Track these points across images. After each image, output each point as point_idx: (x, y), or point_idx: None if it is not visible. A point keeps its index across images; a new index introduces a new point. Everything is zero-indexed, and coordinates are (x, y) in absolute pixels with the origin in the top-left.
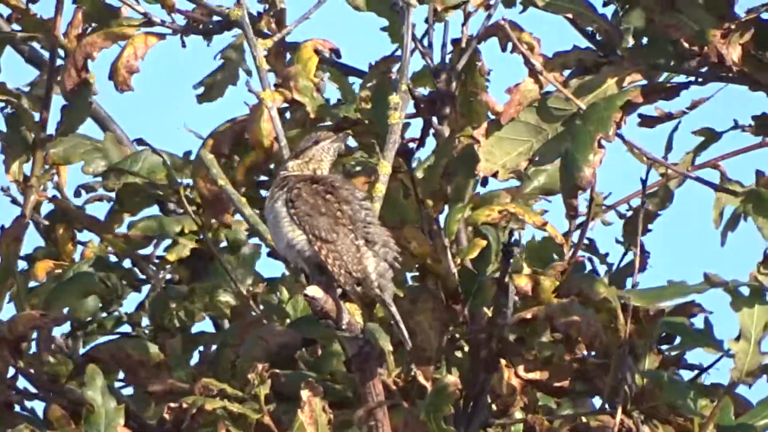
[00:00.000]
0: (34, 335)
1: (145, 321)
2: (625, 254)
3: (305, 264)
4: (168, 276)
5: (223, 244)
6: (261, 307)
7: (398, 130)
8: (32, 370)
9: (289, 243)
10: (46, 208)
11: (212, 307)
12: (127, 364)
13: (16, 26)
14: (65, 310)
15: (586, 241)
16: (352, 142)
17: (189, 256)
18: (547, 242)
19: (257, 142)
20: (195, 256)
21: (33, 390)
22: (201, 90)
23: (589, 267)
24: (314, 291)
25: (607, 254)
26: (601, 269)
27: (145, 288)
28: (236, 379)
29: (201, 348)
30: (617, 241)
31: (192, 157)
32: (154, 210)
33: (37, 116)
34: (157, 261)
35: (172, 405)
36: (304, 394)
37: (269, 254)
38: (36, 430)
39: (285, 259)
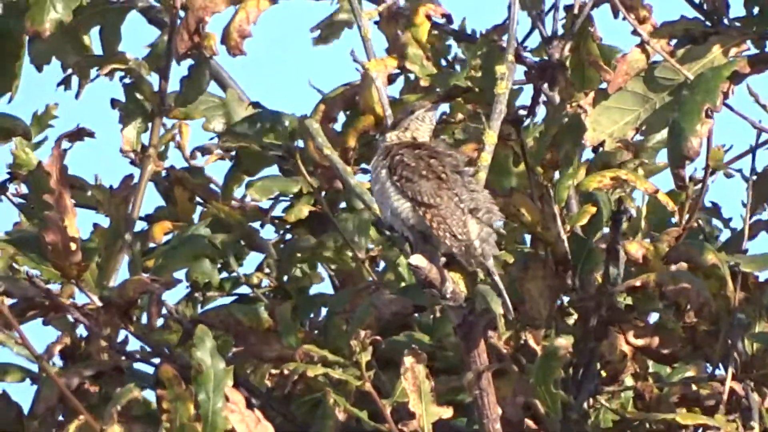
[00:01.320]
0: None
1: (265, 282)
2: (751, 217)
3: (410, 232)
4: (288, 236)
5: (342, 205)
6: (380, 266)
7: (504, 100)
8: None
9: (393, 211)
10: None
11: (339, 261)
12: (237, 330)
13: None
14: (179, 275)
15: (709, 205)
16: (463, 110)
17: (307, 217)
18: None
19: (368, 108)
20: (313, 218)
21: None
22: (317, 33)
23: (707, 231)
24: (418, 260)
25: (730, 219)
26: (726, 234)
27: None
28: (346, 347)
29: (312, 315)
30: (743, 204)
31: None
32: (274, 170)
33: (156, 85)
34: (276, 221)
35: (273, 371)
36: (407, 360)
37: (374, 223)
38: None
39: (391, 228)
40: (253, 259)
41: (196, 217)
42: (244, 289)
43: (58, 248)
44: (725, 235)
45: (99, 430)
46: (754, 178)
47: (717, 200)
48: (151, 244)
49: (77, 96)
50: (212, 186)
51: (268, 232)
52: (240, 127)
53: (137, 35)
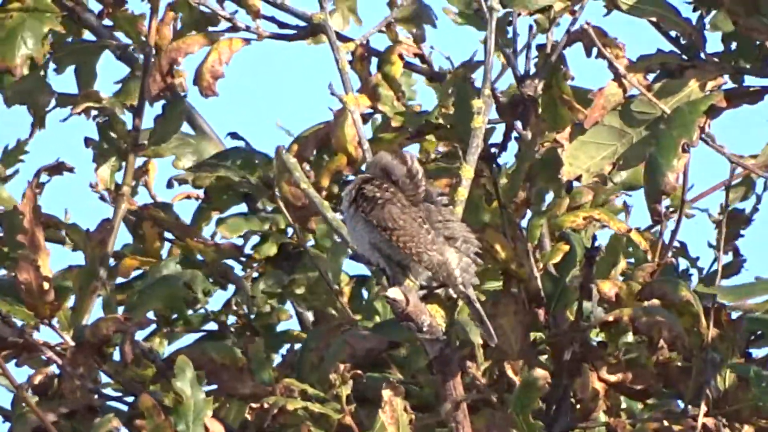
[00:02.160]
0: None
1: (231, 319)
2: (716, 259)
3: (387, 264)
4: (255, 274)
5: (310, 242)
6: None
7: (481, 134)
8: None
9: (368, 242)
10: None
11: (311, 298)
12: (210, 368)
13: (107, 21)
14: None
15: (677, 244)
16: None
17: (276, 255)
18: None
19: (341, 147)
20: (281, 255)
21: (116, 393)
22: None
23: (681, 267)
24: (395, 293)
25: (697, 258)
26: (693, 273)
27: (231, 287)
28: (320, 383)
29: (284, 352)
30: (709, 245)
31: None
32: (242, 208)
33: (129, 122)
34: (244, 259)
35: (254, 405)
36: (386, 394)
37: (352, 257)
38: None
39: (368, 261)
40: (221, 295)
41: (164, 253)
42: (211, 325)
43: (32, 288)
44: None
45: None
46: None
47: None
48: (119, 279)
49: (30, 136)
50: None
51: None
52: (212, 162)
53: (107, 71)
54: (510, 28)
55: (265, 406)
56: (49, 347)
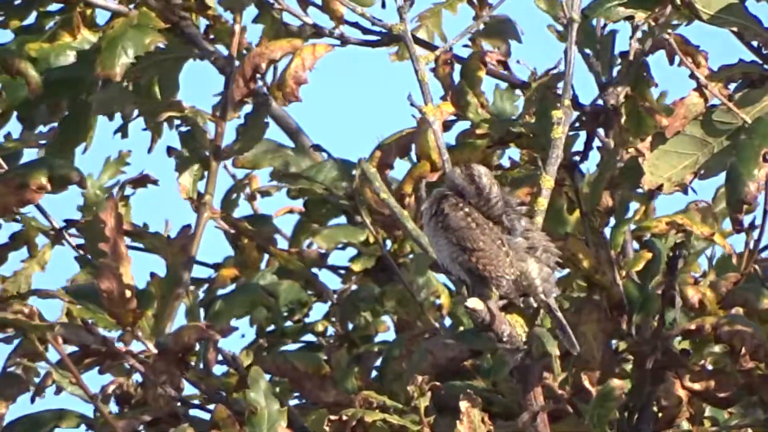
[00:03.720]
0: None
1: (330, 330)
2: None
3: (467, 276)
4: (354, 287)
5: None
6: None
7: (561, 145)
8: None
9: (449, 255)
10: (237, 215)
11: (401, 311)
12: (293, 376)
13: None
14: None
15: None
16: (515, 155)
17: (374, 267)
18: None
19: (424, 155)
20: (380, 268)
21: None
22: (395, 49)
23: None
24: (475, 303)
25: None
26: None
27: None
28: (403, 392)
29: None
30: None
31: None
32: (341, 221)
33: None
34: (342, 272)
35: (332, 417)
36: (463, 405)
37: (432, 267)
38: None
39: (447, 271)
40: (321, 307)
41: (263, 265)
42: (310, 337)
43: (113, 296)
44: None
45: None
46: None
47: None
48: (220, 291)
49: (149, 150)
50: (277, 236)
51: (335, 282)
52: (308, 173)
53: (194, 82)
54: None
55: (344, 417)
56: (132, 355)
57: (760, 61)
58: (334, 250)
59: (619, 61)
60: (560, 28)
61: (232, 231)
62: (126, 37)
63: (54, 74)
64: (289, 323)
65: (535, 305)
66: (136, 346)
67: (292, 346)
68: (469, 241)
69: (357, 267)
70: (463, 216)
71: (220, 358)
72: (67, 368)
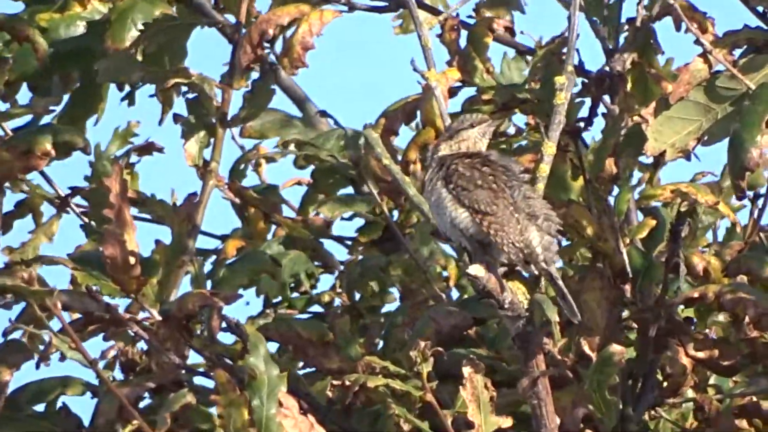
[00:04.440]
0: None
1: (337, 301)
2: None
3: (468, 243)
4: (360, 257)
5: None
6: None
7: (563, 111)
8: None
9: (452, 222)
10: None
11: (408, 279)
12: (296, 343)
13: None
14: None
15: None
16: (520, 121)
17: (381, 237)
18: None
19: (429, 121)
20: (386, 238)
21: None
22: (399, 22)
23: None
24: (476, 270)
25: None
26: None
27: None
28: (406, 359)
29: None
30: None
31: None
32: (349, 191)
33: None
34: (349, 242)
35: (335, 382)
36: (466, 371)
37: (433, 233)
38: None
39: (448, 239)
40: (328, 278)
41: (270, 236)
42: (316, 308)
43: (117, 262)
44: None
45: None
46: None
47: None
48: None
49: (160, 122)
50: (285, 207)
51: (342, 253)
52: (316, 142)
53: (203, 50)
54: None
55: (347, 383)
56: (136, 322)
57: (766, 27)
58: (341, 221)
59: (626, 27)
60: None
61: (239, 201)
62: (136, 9)
63: (65, 45)
64: (295, 294)
65: (536, 273)
66: (140, 314)
67: (299, 317)
68: (483, 204)
69: (364, 237)
70: (480, 177)
71: (224, 325)
72: (67, 334)
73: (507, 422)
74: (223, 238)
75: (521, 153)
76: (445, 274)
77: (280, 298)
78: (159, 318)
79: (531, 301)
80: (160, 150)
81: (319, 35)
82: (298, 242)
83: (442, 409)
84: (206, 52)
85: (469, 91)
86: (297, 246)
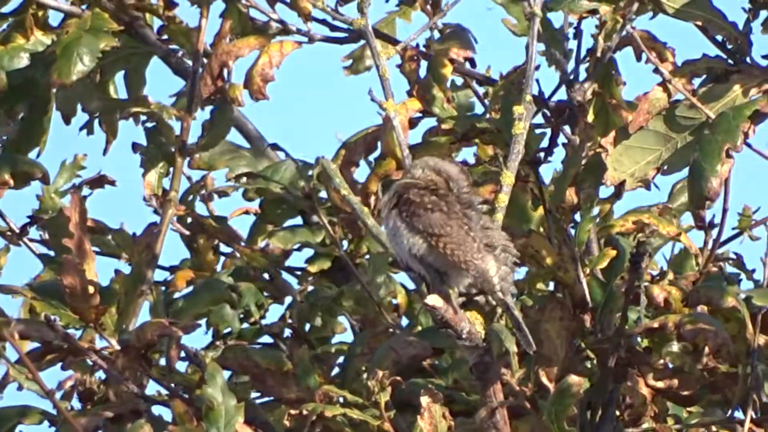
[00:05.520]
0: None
1: (286, 332)
2: None
3: (426, 271)
4: (310, 288)
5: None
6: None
7: (522, 140)
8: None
9: (409, 250)
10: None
11: (360, 310)
12: (255, 372)
13: (165, 37)
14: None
15: (733, 256)
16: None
17: (331, 268)
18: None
19: (390, 152)
20: (336, 268)
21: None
22: (348, 63)
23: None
24: (434, 300)
25: (753, 270)
26: (749, 285)
27: (287, 300)
28: (364, 389)
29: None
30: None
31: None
32: (298, 221)
33: (178, 129)
34: (299, 273)
35: (292, 412)
36: (424, 400)
37: (391, 263)
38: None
39: (408, 268)
40: (276, 310)
41: (219, 267)
42: (266, 339)
43: (77, 292)
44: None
45: None
46: None
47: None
48: (176, 295)
49: (104, 152)
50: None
51: (291, 283)
52: (266, 173)
53: (162, 85)
54: (560, 32)
55: (304, 412)
56: (94, 351)
57: (725, 56)
58: (291, 251)
59: (586, 57)
60: (515, 21)
61: (188, 233)
62: (81, 43)
63: (10, 79)
64: (245, 325)
65: (493, 303)
66: (99, 343)
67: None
68: (437, 226)
69: (314, 268)
70: (430, 202)
71: (183, 354)
72: (24, 364)
73: None
74: (172, 269)
75: (481, 184)
76: (395, 302)
77: (229, 329)
78: (118, 347)
79: (489, 331)
80: (112, 183)
81: (278, 67)
82: (248, 274)
83: None
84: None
85: (429, 122)
86: (247, 278)
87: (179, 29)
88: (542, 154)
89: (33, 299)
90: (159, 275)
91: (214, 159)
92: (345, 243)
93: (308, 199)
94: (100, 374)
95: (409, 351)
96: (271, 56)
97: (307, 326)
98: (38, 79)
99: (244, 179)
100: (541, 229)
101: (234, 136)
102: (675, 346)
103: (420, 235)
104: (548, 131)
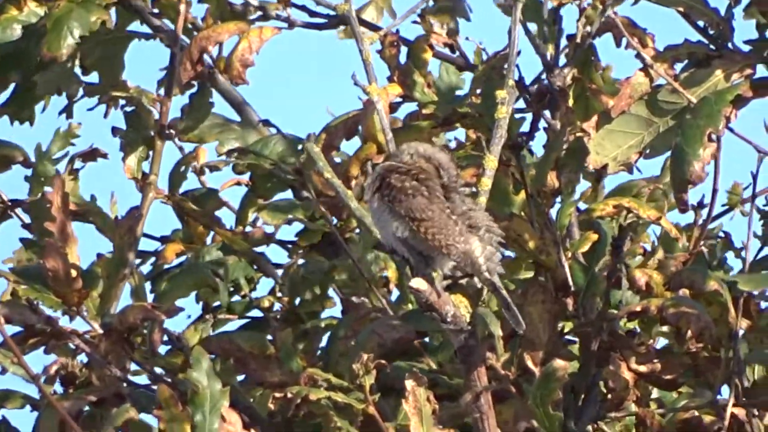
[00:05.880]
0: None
1: (277, 305)
2: (761, 249)
3: (410, 254)
4: (300, 261)
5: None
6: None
7: (504, 125)
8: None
9: (393, 233)
10: (186, 187)
11: (352, 284)
12: (237, 356)
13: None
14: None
15: (722, 234)
16: (461, 135)
17: (321, 242)
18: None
19: (371, 136)
20: (327, 242)
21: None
22: (343, 27)
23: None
24: (419, 283)
25: (742, 248)
26: (737, 263)
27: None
28: (348, 372)
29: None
30: (755, 236)
31: None
32: (288, 195)
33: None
34: (290, 246)
35: (277, 395)
36: (408, 384)
37: (375, 246)
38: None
39: (392, 251)
40: (267, 282)
41: (210, 239)
42: (256, 313)
43: (59, 275)
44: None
45: None
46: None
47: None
48: (166, 266)
49: (105, 115)
50: (226, 209)
51: (282, 257)
52: (254, 147)
53: (141, 69)
54: (543, 17)
55: (288, 395)
56: (77, 335)
57: (706, 41)
58: (273, 235)
59: (565, 43)
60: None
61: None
62: (71, 17)
63: (2, 49)
64: (235, 298)
65: (479, 285)
66: (81, 326)
67: (238, 322)
68: (418, 211)
69: (303, 242)
70: (411, 187)
71: (165, 338)
72: (8, 348)
73: None
74: (163, 239)
75: (463, 168)
76: (386, 274)
77: (219, 303)
78: (100, 331)
79: (474, 314)
80: (105, 156)
81: (258, 52)
82: (241, 255)
83: (385, 422)
84: (139, 59)
85: (410, 106)
86: (236, 252)
87: (170, 3)
88: (523, 138)
89: (15, 282)
90: (150, 245)
91: (204, 132)
92: (334, 218)
93: (298, 175)
94: (83, 358)
95: (393, 335)
96: (250, 42)
97: (297, 300)
98: (31, 50)
99: (236, 155)
100: (523, 213)
101: (222, 106)
102: (665, 327)
103: (402, 219)
104: (529, 116)
